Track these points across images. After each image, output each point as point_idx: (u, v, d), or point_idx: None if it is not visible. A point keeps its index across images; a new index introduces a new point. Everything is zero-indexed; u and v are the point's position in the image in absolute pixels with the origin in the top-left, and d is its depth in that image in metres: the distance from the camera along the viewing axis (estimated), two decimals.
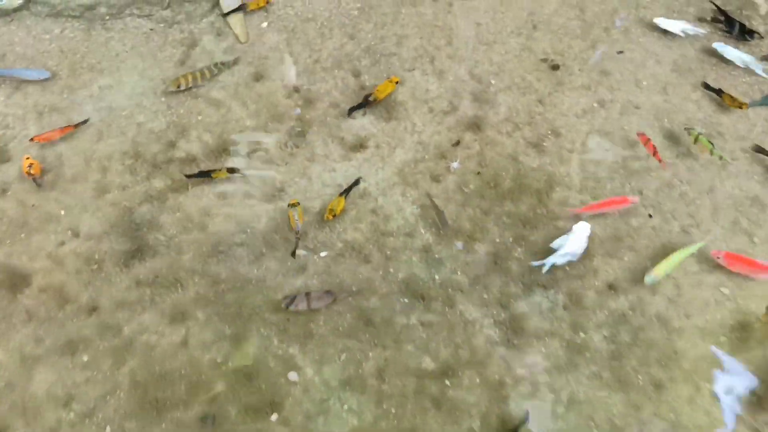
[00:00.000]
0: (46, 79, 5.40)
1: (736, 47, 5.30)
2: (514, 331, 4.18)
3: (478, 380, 4.05)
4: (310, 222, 4.69)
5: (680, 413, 3.91)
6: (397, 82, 5.20)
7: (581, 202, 4.70)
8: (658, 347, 4.13)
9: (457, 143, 5.04)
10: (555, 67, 5.42)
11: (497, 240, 4.57)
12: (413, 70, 5.49)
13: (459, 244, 4.54)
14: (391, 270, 4.47)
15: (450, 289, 4.37)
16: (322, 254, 4.50)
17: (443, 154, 4.98)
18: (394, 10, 5.92)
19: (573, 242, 4.30)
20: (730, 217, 4.59)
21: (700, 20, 5.54)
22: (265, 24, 5.88)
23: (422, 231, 4.63)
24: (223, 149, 5.05)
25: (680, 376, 4.04)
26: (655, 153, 4.65)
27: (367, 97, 5.14)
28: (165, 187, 4.86)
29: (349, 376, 4.08)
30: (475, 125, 5.13)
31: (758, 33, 5.32)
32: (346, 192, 4.67)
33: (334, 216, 4.56)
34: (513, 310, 4.26)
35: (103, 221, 4.69)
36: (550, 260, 4.28)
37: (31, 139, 5.01)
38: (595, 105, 5.18)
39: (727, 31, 5.43)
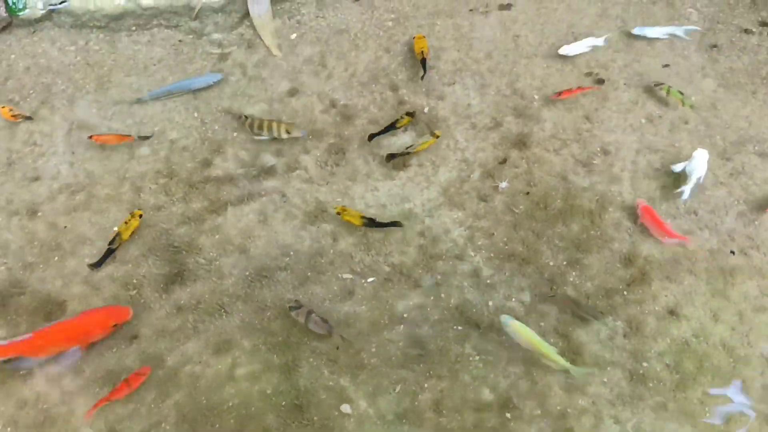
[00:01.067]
0: (218, 82, 5.29)
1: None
2: (573, 360, 4.02)
3: (539, 412, 3.89)
4: (355, 244, 4.52)
5: None
6: (438, 137, 4.92)
7: (637, 224, 4.54)
8: (723, 376, 3.97)
9: (504, 161, 4.88)
10: (600, 81, 5.27)
11: (551, 264, 4.41)
12: (453, 84, 5.33)
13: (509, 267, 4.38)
14: (443, 296, 4.30)
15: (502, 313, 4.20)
16: (370, 279, 4.33)
17: (489, 173, 4.82)
18: (430, 21, 5.77)
19: (698, 167, 4.49)
20: None
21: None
22: (294, 35, 5.71)
23: (472, 254, 4.47)
24: (261, 168, 4.88)
25: None
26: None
27: (394, 123, 4.96)
28: (202, 208, 4.69)
29: (404, 409, 3.92)
30: (521, 142, 4.98)
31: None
32: (379, 225, 4.47)
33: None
34: (571, 339, 4.10)
35: (139, 244, 4.51)
36: (688, 188, 4.43)
37: (90, 137, 4.88)
38: (644, 121, 5.02)
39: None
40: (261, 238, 4.57)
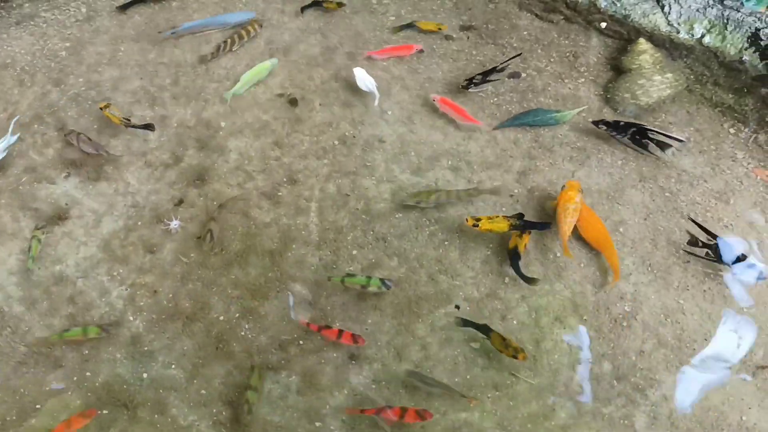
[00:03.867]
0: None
1: None
2: (235, 430, 3.49)
3: None
4: None
5: None
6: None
7: (320, 259, 4.10)
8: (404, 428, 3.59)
9: (180, 202, 4.30)
10: (293, 102, 4.82)
11: (221, 318, 3.87)
12: (129, 116, 4.69)
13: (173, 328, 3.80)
14: (88, 374, 3.65)
15: (161, 390, 3.62)
16: None
17: (159, 217, 4.22)
18: (112, 48, 5.09)
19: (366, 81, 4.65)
20: (480, 257, 4.16)
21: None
22: None
23: (130, 318, 3.85)
24: None
25: None
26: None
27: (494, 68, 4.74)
28: None
29: None
30: (200, 178, 4.41)
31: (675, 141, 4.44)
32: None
33: None
34: (236, 404, 3.57)
35: None
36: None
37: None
38: (336, 143, 4.61)
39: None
40: None
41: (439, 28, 5.19)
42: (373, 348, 3.83)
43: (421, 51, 5.04)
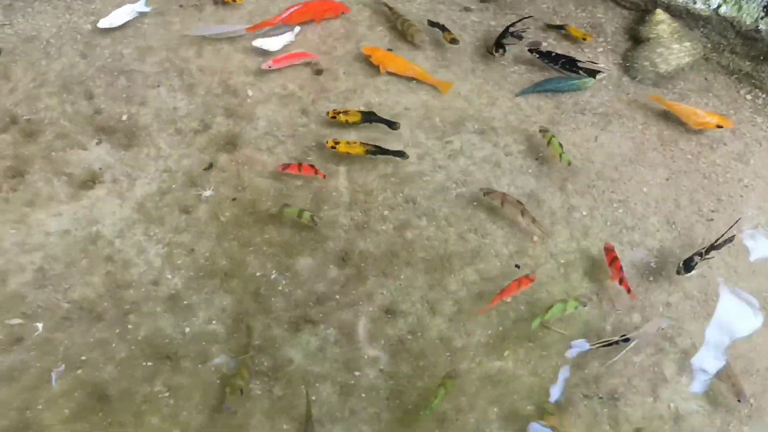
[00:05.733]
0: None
1: None
2: (276, 380, 3.57)
3: None
4: (27, 282, 3.85)
5: None
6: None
7: (351, 219, 4.18)
8: (440, 373, 3.67)
9: (210, 167, 4.38)
10: (318, 72, 4.90)
11: (258, 274, 3.95)
12: (158, 86, 4.76)
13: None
14: (130, 327, 3.72)
15: (204, 342, 3.69)
16: (38, 325, 3.68)
17: (193, 181, 4.29)
18: (136, 21, 5.16)
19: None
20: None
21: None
22: None
23: (168, 276, 3.92)
24: None
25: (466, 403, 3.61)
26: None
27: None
28: None
29: None
30: (230, 143, 4.49)
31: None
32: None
33: None
34: (278, 357, 3.65)
35: None
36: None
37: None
38: (363, 108, 4.70)
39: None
40: None
41: None
42: (407, 303, 3.91)
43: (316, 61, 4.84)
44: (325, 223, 4.17)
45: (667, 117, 4.68)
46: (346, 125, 4.47)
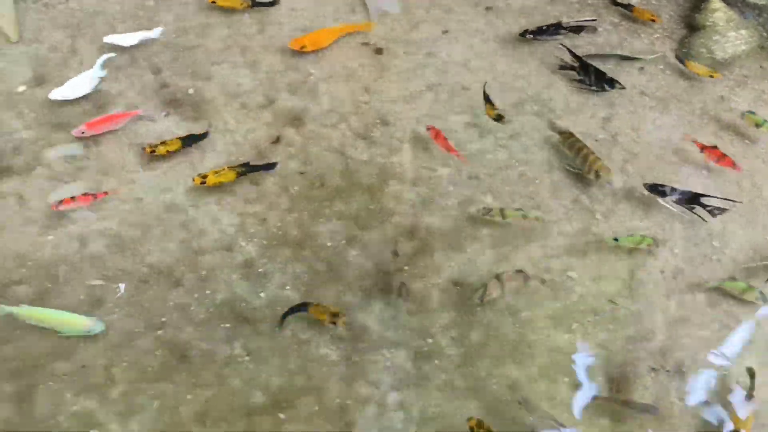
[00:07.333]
0: None
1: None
2: (354, 346, 3.67)
3: (317, 408, 3.50)
4: (107, 246, 3.95)
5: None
6: None
7: (417, 194, 4.27)
8: (509, 343, 3.76)
9: (277, 140, 4.47)
10: (378, 51, 4.98)
11: (328, 245, 4.04)
12: (221, 62, 4.85)
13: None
14: (208, 292, 3.82)
15: (279, 308, 3.79)
16: (121, 285, 3.78)
17: (261, 154, 4.38)
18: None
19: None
20: (570, 195, 4.33)
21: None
22: (43, 20, 5.02)
23: (242, 244, 4.01)
24: None
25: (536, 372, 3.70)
26: (448, 148, 4.20)
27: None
28: None
29: (163, 427, 3.39)
30: (296, 119, 4.58)
31: (619, 83, 4.69)
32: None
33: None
34: (353, 322, 3.75)
35: None
36: None
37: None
38: (423, 89, 4.78)
39: (581, 80, 4.77)
40: None
41: None
42: (475, 275, 4.00)
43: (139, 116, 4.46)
44: (391, 197, 4.25)
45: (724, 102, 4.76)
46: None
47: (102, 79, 4.60)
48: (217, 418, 3.45)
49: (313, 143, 4.47)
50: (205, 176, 4.09)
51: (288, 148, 4.44)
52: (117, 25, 4.98)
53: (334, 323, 3.59)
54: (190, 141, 4.31)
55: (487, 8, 5.24)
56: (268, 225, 4.10)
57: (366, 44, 5.03)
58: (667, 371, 3.73)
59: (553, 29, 4.98)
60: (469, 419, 3.34)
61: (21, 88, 4.60)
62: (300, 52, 4.82)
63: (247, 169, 4.19)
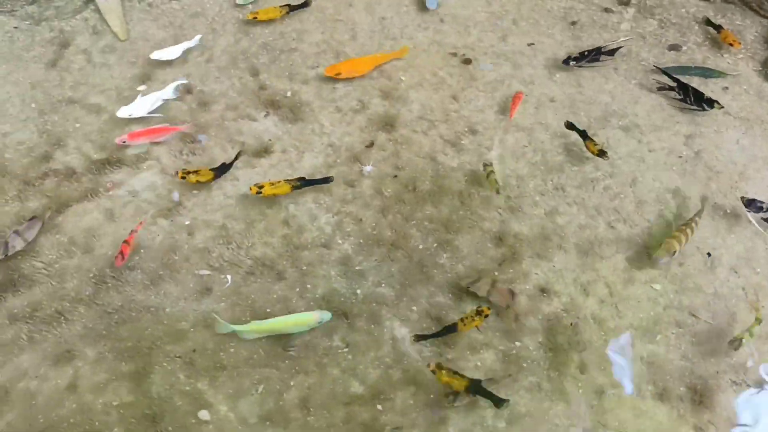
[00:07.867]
0: None
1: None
2: (446, 344, 3.85)
3: (411, 401, 3.69)
4: (214, 237, 4.20)
5: (624, 420, 3.71)
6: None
7: (506, 200, 4.44)
8: (595, 350, 3.91)
9: (371, 144, 4.67)
10: (467, 62, 5.16)
11: (421, 247, 4.23)
12: (317, 66, 5.07)
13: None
14: (309, 286, 4.04)
15: (374, 304, 3.99)
16: (228, 277, 4.02)
17: (356, 157, 4.59)
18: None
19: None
20: (654, 210, 4.46)
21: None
22: (148, 20, 5.30)
23: (339, 241, 4.23)
24: (107, 161, 4.46)
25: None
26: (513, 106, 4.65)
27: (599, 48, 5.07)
28: (40, 207, 4.22)
29: (268, 410, 3.63)
30: (388, 124, 4.78)
31: (717, 102, 4.75)
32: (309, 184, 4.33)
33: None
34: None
35: None
36: None
37: None
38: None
39: (681, 100, 4.85)
40: (107, 236, 4.15)
41: None
42: (561, 284, 4.15)
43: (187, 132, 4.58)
44: (480, 204, 4.42)
45: None
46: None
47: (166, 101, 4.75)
48: (318, 406, 3.65)
49: (404, 148, 4.66)
50: (261, 186, 4.22)
51: (381, 152, 4.64)
52: (216, 27, 5.22)
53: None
54: (220, 171, 4.35)
55: (572, 23, 5.38)
56: (363, 225, 4.30)
57: (454, 54, 5.20)
58: (748, 385, 3.84)
59: (594, 54, 5.08)
60: (428, 365, 3.56)
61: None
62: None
63: (302, 183, 4.30)
